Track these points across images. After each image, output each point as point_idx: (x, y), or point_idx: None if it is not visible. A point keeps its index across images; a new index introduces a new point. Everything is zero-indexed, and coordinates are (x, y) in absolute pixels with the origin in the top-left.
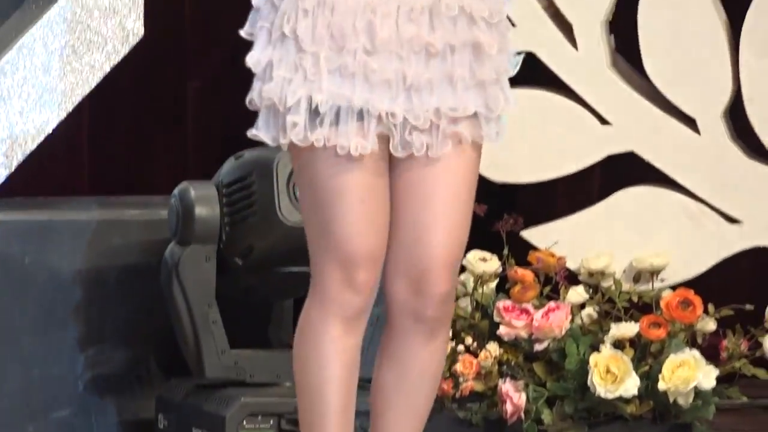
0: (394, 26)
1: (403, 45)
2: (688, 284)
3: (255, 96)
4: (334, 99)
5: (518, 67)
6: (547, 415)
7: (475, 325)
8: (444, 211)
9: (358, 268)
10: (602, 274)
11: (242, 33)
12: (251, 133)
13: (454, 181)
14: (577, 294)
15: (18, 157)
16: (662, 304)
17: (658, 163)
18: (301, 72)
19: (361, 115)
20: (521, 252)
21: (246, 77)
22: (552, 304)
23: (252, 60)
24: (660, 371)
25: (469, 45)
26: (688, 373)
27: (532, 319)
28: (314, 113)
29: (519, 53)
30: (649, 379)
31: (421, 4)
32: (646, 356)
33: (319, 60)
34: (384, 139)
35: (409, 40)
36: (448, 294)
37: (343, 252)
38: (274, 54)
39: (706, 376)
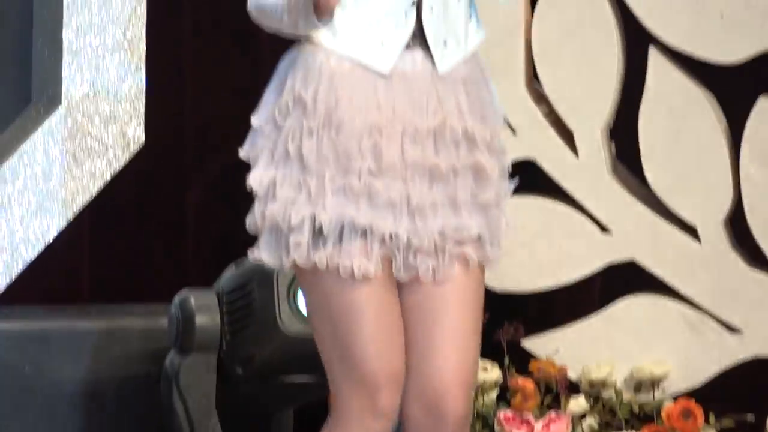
0: (399, 148)
1: (408, 167)
2: (688, 393)
3: (257, 217)
4: (338, 218)
5: (511, 193)
6: None
7: None
8: (455, 332)
9: (380, 390)
10: (603, 383)
11: (241, 154)
12: (252, 255)
13: (463, 300)
14: (578, 404)
15: (18, 266)
16: (663, 414)
17: (658, 272)
18: (305, 191)
19: (364, 235)
20: (522, 360)
21: (245, 185)
22: (553, 414)
23: (254, 180)
24: None
25: (470, 168)
26: None
27: (532, 430)
28: (318, 233)
29: (512, 177)
30: None
31: (427, 126)
32: None
33: (324, 180)
34: (388, 261)
35: (414, 162)
36: (465, 416)
37: (364, 374)
38: (277, 173)
39: None
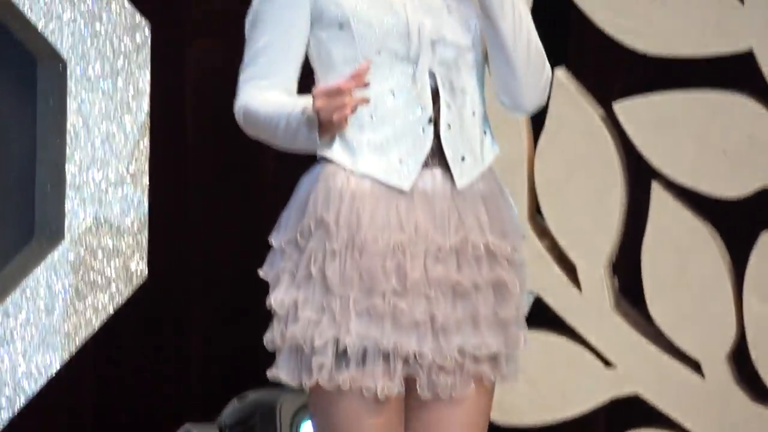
0: (423, 267)
1: (431, 286)
2: None
3: (277, 336)
4: (362, 340)
5: (530, 306)
6: None
7: None
8: None
9: None
10: None
11: (260, 273)
12: (271, 373)
13: (472, 420)
14: None
15: (21, 401)
16: None
17: (662, 407)
18: (329, 314)
19: (387, 356)
20: None
21: (248, 318)
22: None
23: (275, 301)
24: None
25: (492, 284)
26: None
27: None
28: (341, 354)
29: (531, 291)
30: None
31: (449, 244)
32: None
33: (348, 302)
34: (406, 379)
35: (438, 280)
36: None
37: None
38: (299, 295)
39: None
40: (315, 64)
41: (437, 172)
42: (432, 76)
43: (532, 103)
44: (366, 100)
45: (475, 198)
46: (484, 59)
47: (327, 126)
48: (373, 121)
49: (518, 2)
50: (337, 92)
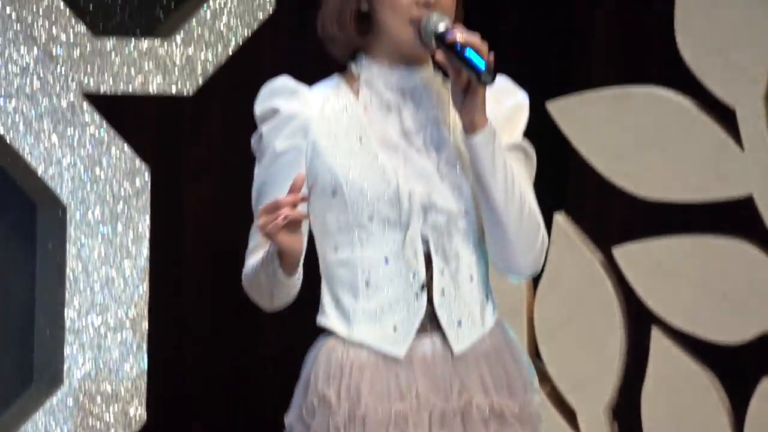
0: None
1: None
2: None
3: None
4: None
5: None
6: None
7: None
8: None
9: None
10: None
11: None
12: None
13: None
14: None
15: None
16: None
17: None
18: None
19: None
20: None
21: None
22: None
23: None
24: None
25: None
26: None
27: None
28: None
29: None
30: None
31: (452, 408)
32: None
33: None
34: None
35: None
36: None
37: None
38: None
39: None
40: (313, 232)
41: (436, 337)
42: (425, 241)
43: (526, 268)
44: (304, 216)
45: (478, 359)
46: (481, 225)
47: (281, 249)
48: (367, 289)
49: (513, 165)
50: (274, 207)
